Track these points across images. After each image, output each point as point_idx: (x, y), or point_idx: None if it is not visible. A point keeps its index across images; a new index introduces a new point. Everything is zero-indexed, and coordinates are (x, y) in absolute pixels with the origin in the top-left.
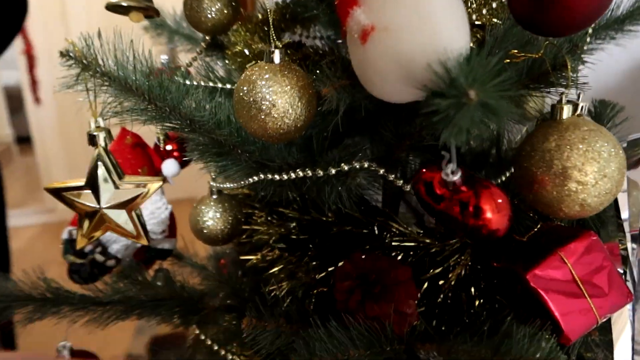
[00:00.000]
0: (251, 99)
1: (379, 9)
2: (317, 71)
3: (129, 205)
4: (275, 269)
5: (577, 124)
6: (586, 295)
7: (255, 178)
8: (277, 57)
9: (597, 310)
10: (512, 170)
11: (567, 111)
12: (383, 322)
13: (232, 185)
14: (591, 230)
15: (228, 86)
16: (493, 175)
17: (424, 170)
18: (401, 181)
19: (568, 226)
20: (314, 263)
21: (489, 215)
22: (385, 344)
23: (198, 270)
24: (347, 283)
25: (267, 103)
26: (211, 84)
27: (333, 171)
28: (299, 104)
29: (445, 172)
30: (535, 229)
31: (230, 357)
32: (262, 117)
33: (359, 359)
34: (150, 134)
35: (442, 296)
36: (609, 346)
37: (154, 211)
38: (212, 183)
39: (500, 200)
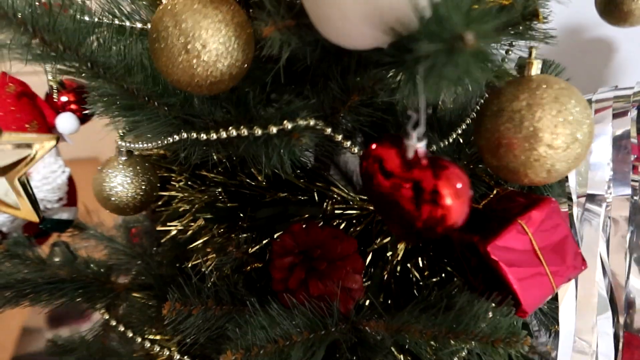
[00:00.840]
0: (174, 38)
1: None
2: (254, 7)
3: (10, 171)
4: (200, 241)
5: (549, 81)
6: (545, 265)
7: (177, 137)
8: None
9: (554, 280)
10: (469, 132)
11: (536, 67)
12: (329, 300)
13: (146, 145)
14: (543, 194)
15: (139, 25)
16: (436, 139)
17: (376, 144)
18: (349, 142)
19: (524, 192)
20: (245, 235)
21: (448, 201)
22: (330, 324)
23: (105, 242)
24: (288, 259)
25: (197, 43)
26: (117, 21)
27: (274, 130)
28: (236, 45)
29: (410, 137)
30: (492, 195)
31: (147, 345)
32: (189, 61)
33: (304, 344)
34: (40, 82)
35: (388, 268)
36: (554, 312)
37: (48, 175)
38: (120, 142)
39: (460, 185)
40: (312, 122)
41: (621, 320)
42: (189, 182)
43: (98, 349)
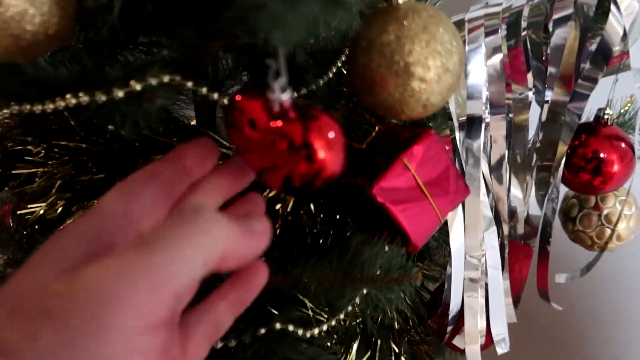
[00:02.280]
0: None
1: None
2: None
3: None
4: (68, 221)
5: (416, 9)
6: (430, 199)
7: (6, 111)
8: None
9: (440, 212)
10: (345, 69)
11: None
12: None
13: None
14: (426, 126)
15: None
16: (311, 78)
17: (240, 95)
18: (216, 94)
19: (404, 124)
20: None
21: (321, 155)
22: None
23: None
24: None
25: None
26: None
27: (120, 94)
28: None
29: (272, 89)
30: (374, 133)
31: None
32: None
33: None
34: None
35: (280, 221)
36: (445, 236)
37: None
38: None
39: (332, 135)
40: (166, 78)
41: (505, 230)
42: (50, 154)
43: None
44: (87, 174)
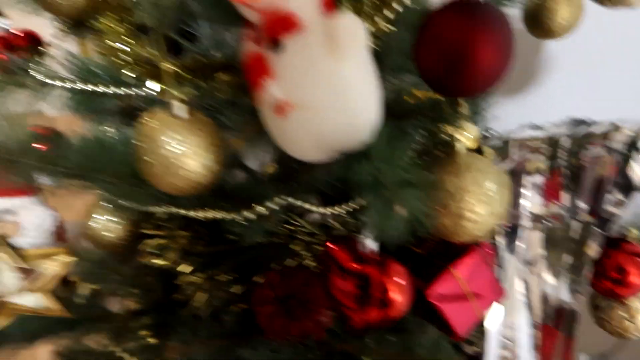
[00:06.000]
0: (156, 157)
1: (294, 86)
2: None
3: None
4: (185, 280)
5: (470, 165)
6: (472, 301)
7: (159, 209)
8: (182, 111)
9: (480, 311)
10: None
11: (461, 149)
12: (305, 334)
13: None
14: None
15: (90, 87)
16: None
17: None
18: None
19: None
20: (228, 277)
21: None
22: (308, 351)
23: (93, 266)
24: (269, 308)
25: (176, 162)
26: (68, 84)
27: (253, 216)
28: (211, 160)
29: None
30: (431, 242)
31: None
32: (170, 177)
33: None
34: None
35: None
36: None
37: (40, 224)
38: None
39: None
40: (283, 202)
41: (537, 315)
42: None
43: None
44: (205, 244)
